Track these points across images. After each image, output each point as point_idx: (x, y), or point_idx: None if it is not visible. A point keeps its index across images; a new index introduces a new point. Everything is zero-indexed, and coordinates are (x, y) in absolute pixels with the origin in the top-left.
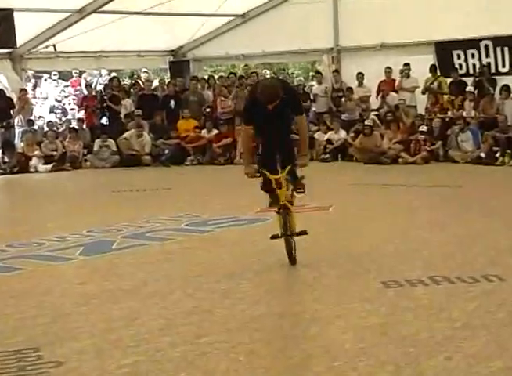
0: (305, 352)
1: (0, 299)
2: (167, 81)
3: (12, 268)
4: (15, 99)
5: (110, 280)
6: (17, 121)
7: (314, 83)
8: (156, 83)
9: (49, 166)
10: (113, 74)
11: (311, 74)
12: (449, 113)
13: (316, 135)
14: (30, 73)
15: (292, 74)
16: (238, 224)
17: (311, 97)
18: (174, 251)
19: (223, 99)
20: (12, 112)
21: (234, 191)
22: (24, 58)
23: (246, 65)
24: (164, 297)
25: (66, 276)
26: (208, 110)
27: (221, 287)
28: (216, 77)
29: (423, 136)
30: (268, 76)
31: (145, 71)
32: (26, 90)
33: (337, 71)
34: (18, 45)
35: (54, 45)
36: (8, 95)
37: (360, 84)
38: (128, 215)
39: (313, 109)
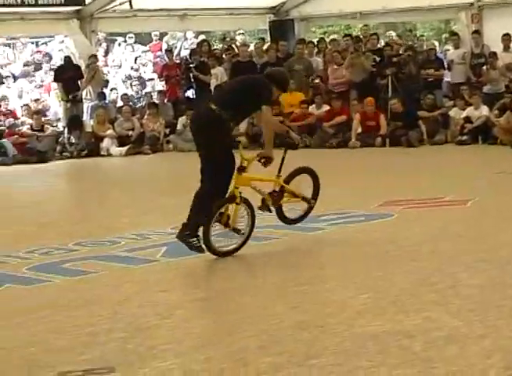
0: None
1: (68, 309)
2: (266, 45)
3: (82, 271)
4: (83, 68)
5: (199, 288)
6: (86, 93)
7: (449, 47)
8: (252, 48)
9: (124, 148)
10: (202, 37)
11: (444, 36)
12: None
13: (452, 112)
14: (101, 35)
15: (421, 36)
16: (354, 220)
17: (445, 64)
18: (276, 253)
19: (336, 67)
20: (79, 83)
21: (349, 180)
22: (94, 17)
23: (364, 25)
24: (264, 308)
25: (147, 282)
26: (317, 80)
27: (334, 297)
28: (327, 40)
29: None
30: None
31: (240, 33)
32: (96, 56)
33: (477, 32)
34: (87, 1)
35: (130, 2)
36: (75, 62)
37: (507, 48)
38: None
39: (447, 79)
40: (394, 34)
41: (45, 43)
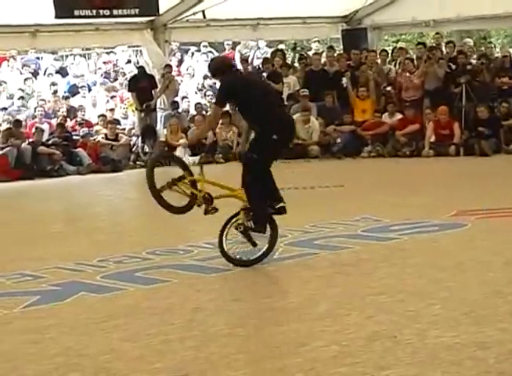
0: None
1: (141, 317)
2: (337, 53)
3: (155, 280)
4: (157, 77)
5: (272, 297)
6: (159, 102)
7: None
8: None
9: (197, 158)
10: (274, 46)
11: None
12: None
13: None
14: (174, 45)
15: (489, 42)
16: (428, 230)
17: None
18: (350, 263)
19: (408, 75)
20: (153, 92)
21: (422, 189)
22: (168, 28)
23: (437, 33)
24: (337, 319)
25: (219, 291)
26: (389, 88)
27: (408, 308)
28: (400, 47)
29: None
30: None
31: (313, 42)
32: (170, 66)
33: None
34: (161, 11)
35: (203, 12)
36: (149, 72)
37: None
38: (292, 218)
39: None
40: (469, 41)
41: (113, 52)
